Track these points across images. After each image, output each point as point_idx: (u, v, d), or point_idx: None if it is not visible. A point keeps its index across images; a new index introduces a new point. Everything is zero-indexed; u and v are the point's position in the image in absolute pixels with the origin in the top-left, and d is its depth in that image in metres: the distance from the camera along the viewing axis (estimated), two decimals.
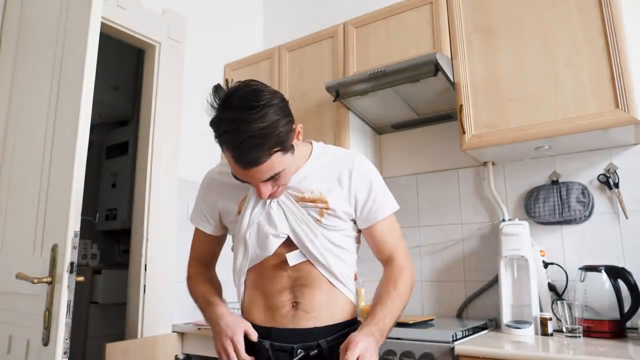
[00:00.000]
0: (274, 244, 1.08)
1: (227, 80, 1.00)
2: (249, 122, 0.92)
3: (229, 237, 1.26)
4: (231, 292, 1.19)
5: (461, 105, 1.75)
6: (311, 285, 1.07)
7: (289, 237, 1.08)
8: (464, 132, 1.73)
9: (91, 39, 1.41)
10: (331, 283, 1.09)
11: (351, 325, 1.11)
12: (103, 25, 1.83)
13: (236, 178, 1.03)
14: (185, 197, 2.26)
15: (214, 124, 0.98)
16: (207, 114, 1.00)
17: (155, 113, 2.18)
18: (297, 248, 1.08)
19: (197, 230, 1.24)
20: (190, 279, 1.22)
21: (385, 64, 1.89)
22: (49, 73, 1.59)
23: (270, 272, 1.10)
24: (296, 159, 1.06)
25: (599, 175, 1.73)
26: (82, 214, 1.36)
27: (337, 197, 1.09)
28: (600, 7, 1.52)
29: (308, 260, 1.08)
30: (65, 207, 1.33)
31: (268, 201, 1.09)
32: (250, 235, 1.10)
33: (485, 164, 1.97)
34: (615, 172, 1.70)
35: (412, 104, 2.00)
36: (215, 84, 0.99)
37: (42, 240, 1.43)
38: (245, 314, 1.15)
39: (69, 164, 1.36)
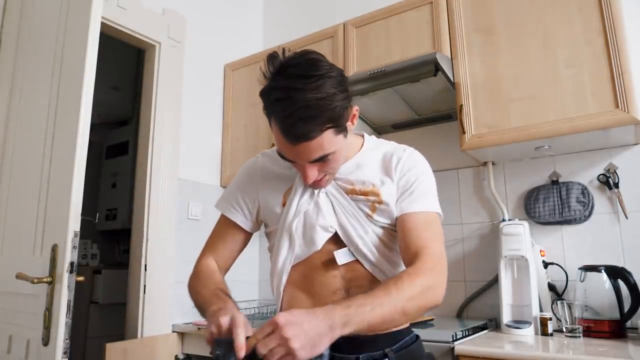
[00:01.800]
0: (322, 238, 0.99)
1: (283, 49, 0.93)
2: (304, 91, 0.84)
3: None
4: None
5: (461, 105, 1.75)
6: (368, 287, 0.94)
7: (337, 233, 1.00)
8: (464, 132, 1.73)
9: (91, 39, 1.42)
10: None
11: (410, 333, 1.03)
12: (103, 25, 1.83)
13: (281, 157, 0.94)
14: (185, 197, 2.26)
15: (265, 92, 0.90)
16: (260, 85, 0.91)
17: (155, 113, 2.18)
18: (345, 246, 0.99)
19: (221, 223, 1.13)
20: (201, 268, 1.06)
21: (385, 64, 1.89)
22: (49, 73, 1.59)
23: (320, 272, 1.00)
24: (347, 148, 0.99)
25: (599, 175, 1.72)
26: (82, 214, 1.37)
27: (388, 189, 1.00)
28: (600, 7, 1.52)
29: (358, 260, 0.99)
30: (65, 207, 1.33)
31: (316, 191, 1.01)
32: (296, 226, 1.00)
33: (485, 164, 1.97)
34: (615, 172, 1.70)
35: (412, 104, 2.00)
36: (271, 52, 0.92)
37: (42, 240, 1.43)
38: None
39: (69, 164, 1.36)
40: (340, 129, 0.91)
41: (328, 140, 0.89)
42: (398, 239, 1.01)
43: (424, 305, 0.86)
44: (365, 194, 1.00)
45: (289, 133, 0.87)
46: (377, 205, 0.99)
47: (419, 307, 0.85)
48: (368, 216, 1.00)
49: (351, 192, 1.01)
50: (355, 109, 0.97)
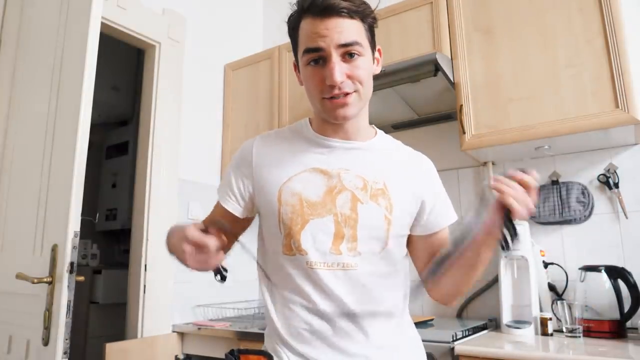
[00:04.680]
0: None
1: None
2: None
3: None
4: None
5: (461, 105, 1.75)
6: None
7: None
8: (464, 132, 1.73)
9: (91, 39, 1.42)
10: None
11: None
12: (103, 25, 1.83)
13: (309, 51, 0.85)
14: (185, 197, 2.26)
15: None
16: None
17: (155, 113, 2.18)
18: None
19: (218, 208, 1.01)
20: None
21: (385, 64, 1.87)
22: (49, 73, 1.59)
23: None
24: (364, 119, 0.95)
25: (599, 175, 1.72)
26: (82, 214, 1.37)
27: (402, 196, 0.94)
28: (600, 7, 1.52)
29: None
30: (65, 207, 1.33)
31: None
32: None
33: (485, 164, 1.97)
34: (615, 172, 1.70)
35: (412, 104, 2.00)
36: None
37: (42, 240, 1.43)
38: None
39: (69, 164, 1.36)
40: (370, 35, 0.89)
41: (358, 29, 0.85)
42: (424, 259, 1.00)
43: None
44: (375, 196, 0.95)
45: (319, 5, 0.83)
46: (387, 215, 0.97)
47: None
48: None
49: (362, 189, 0.93)
50: (379, 48, 0.95)
